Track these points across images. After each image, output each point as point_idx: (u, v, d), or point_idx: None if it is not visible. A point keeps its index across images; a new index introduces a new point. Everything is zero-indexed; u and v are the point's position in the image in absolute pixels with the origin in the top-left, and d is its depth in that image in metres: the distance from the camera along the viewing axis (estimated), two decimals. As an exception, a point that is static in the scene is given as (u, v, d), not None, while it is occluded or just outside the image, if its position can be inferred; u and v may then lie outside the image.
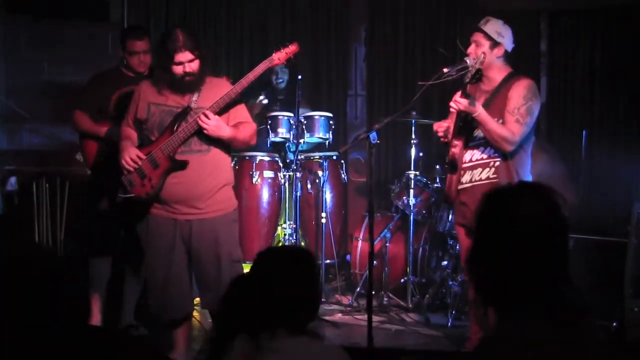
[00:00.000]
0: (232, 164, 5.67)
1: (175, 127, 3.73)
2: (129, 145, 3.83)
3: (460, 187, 3.79)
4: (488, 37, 3.70)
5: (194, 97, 3.78)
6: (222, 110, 3.76)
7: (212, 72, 3.98)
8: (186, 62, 3.69)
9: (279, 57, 3.84)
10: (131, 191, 3.80)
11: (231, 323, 2.20)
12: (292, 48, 3.86)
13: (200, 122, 3.66)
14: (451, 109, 3.72)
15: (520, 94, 3.65)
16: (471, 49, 3.73)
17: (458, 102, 3.64)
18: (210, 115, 3.67)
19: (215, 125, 3.68)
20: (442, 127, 3.93)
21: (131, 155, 3.76)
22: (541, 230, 1.65)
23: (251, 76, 3.77)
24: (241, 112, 3.90)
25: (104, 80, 4.58)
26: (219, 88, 3.81)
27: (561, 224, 1.68)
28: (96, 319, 4.55)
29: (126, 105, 4.44)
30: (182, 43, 3.67)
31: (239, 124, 3.84)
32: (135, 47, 4.48)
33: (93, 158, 4.55)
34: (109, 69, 4.67)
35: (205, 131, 3.68)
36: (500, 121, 3.64)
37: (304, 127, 5.45)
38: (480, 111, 3.62)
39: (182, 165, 3.73)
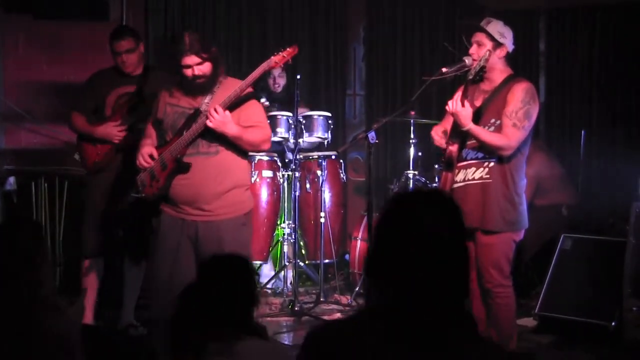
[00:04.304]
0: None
1: (185, 129, 3.73)
2: (147, 143, 3.86)
3: (454, 185, 3.77)
4: (490, 37, 3.66)
5: (206, 99, 3.76)
6: (229, 109, 3.71)
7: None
8: (194, 65, 3.68)
9: (277, 59, 3.80)
10: (143, 191, 3.83)
11: (185, 331, 2.31)
12: (290, 50, 3.80)
13: (208, 115, 3.63)
14: (446, 108, 3.70)
15: (518, 97, 3.61)
16: (473, 49, 3.69)
17: (453, 102, 3.60)
18: (220, 109, 3.63)
19: (220, 120, 3.62)
20: (438, 134, 3.89)
21: (143, 155, 3.79)
22: (443, 240, 1.65)
23: (250, 79, 3.73)
24: (253, 115, 3.83)
25: (100, 80, 4.62)
26: (232, 89, 3.75)
27: (460, 236, 1.68)
28: (88, 318, 4.53)
29: (122, 106, 4.54)
30: (188, 47, 3.65)
31: (250, 126, 3.78)
32: (117, 48, 4.50)
33: (91, 159, 4.56)
34: (105, 69, 4.68)
35: (210, 124, 3.63)
36: (498, 122, 3.63)
37: (302, 126, 5.44)
38: (470, 127, 3.59)
39: (186, 167, 3.71)
